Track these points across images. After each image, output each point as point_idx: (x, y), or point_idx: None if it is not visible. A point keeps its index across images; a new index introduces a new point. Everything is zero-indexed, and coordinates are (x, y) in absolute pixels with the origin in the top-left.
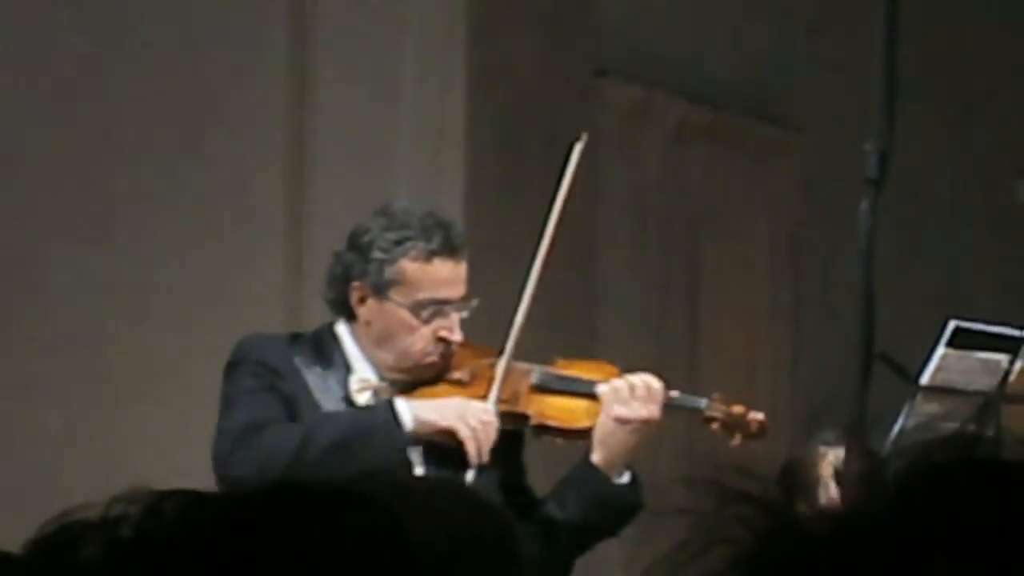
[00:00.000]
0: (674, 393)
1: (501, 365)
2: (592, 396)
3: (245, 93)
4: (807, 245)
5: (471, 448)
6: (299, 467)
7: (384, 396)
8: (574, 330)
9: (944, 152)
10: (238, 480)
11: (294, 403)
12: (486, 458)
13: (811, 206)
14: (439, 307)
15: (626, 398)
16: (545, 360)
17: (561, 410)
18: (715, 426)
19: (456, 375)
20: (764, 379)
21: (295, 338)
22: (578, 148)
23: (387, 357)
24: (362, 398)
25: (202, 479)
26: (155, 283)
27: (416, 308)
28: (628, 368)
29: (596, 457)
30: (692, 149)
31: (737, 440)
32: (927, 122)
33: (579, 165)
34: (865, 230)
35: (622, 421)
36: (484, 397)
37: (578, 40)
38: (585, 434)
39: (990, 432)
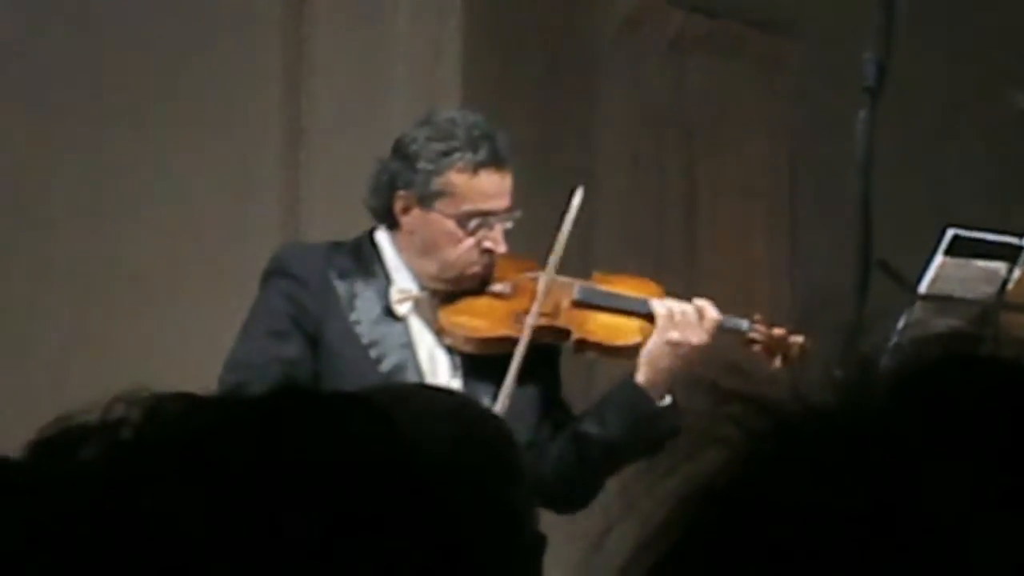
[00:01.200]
0: (730, 320)
1: (543, 279)
2: (639, 315)
3: (240, 53)
4: (805, 154)
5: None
6: None
7: (424, 306)
8: (570, 243)
9: (942, 61)
10: None
11: (322, 322)
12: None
13: (809, 115)
14: (484, 218)
15: (681, 322)
16: (584, 275)
17: (604, 327)
18: (756, 348)
19: (497, 288)
20: (762, 290)
21: (334, 247)
22: (577, 198)
23: (430, 266)
24: (402, 308)
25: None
26: (150, 205)
27: (462, 219)
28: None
29: (641, 377)
30: (690, 59)
31: (778, 362)
32: (925, 31)
33: (578, 214)
34: (863, 139)
35: (674, 344)
36: (525, 311)
37: None
38: (627, 352)
39: (988, 338)
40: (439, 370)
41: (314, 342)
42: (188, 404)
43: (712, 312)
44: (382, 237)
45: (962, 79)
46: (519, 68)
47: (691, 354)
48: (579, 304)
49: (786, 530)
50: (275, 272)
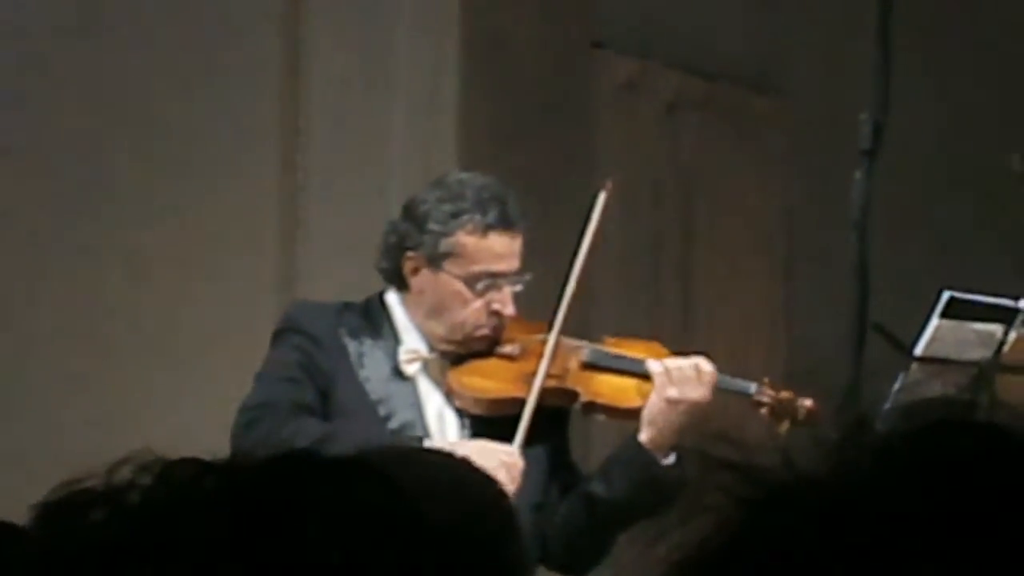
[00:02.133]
0: (724, 376)
1: (550, 342)
2: (642, 375)
3: (239, 56)
4: (801, 216)
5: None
6: None
7: (433, 367)
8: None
9: (938, 122)
10: (249, 452)
11: (332, 378)
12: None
13: (805, 177)
14: (493, 280)
15: (678, 379)
16: (595, 338)
17: (611, 388)
18: (764, 411)
19: (506, 349)
20: (758, 351)
21: (344, 307)
22: (602, 196)
23: (438, 328)
24: (411, 368)
25: (197, 440)
26: (150, 248)
27: (471, 281)
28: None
29: (644, 437)
30: (686, 120)
31: (785, 426)
32: (921, 92)
33: (603, 213)
34: (859, 201)
35: (673, 402)
36: (534, 373)
37: (573, 12)
38: (634, 413)
39: (984, 401)
40: (448, 430)
41: (324, 397)
42: (196, 470)
43: (708, 367)
44: (392, 298)
45: (959, 141)
46: (516, 130)
47: (693, 410)
48: (587, 366)
49: None
50: (287, 329)
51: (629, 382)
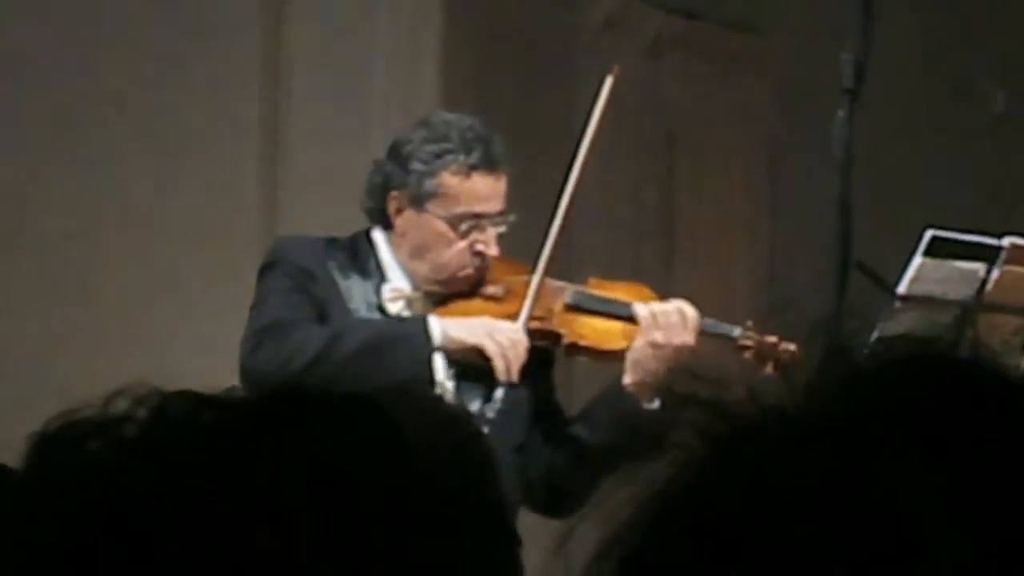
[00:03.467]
0: (708, 320)
1: (534, 282)
2: (626, 318)
3: (221, 15)
4: (783, 155)
5: (499, 365)
6: (323, 367)
7: (417, 307)
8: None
9: (921, 61)
10: (260, 375)
11: (325, 307)
12: (515, 377)
13: (788, 116)
14: (476, 221)
15: (663, 323)
16: (579, 280)
17: (594, 330)
18: (747, 354)
19: (490, 290)
20: (741, 290)
21: (331, 242)
22: (609, 80)
23: (422, 268)
24: (394, 307)
25: (183, 384)
26: (134, 213)
27: (454, 221)
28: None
29: (628, 380)
30: (668, 60)
31: (769, 368)
32: (904, 31)
33: (609, 98)
34: (841, 140)
35: (658, 346)
36: (517, 314)
37: None
38: (617, 355)
39: (966, 339)
40: (433, 368)
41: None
42: (193, 404)
43: (691, 312)
44: (378, 236)
45: (940, 79)
46: (498, 68)
47: (676, 355)
48: (571, 308)
49: (732, 534)
50: (275, 262)
51: (614, 325)
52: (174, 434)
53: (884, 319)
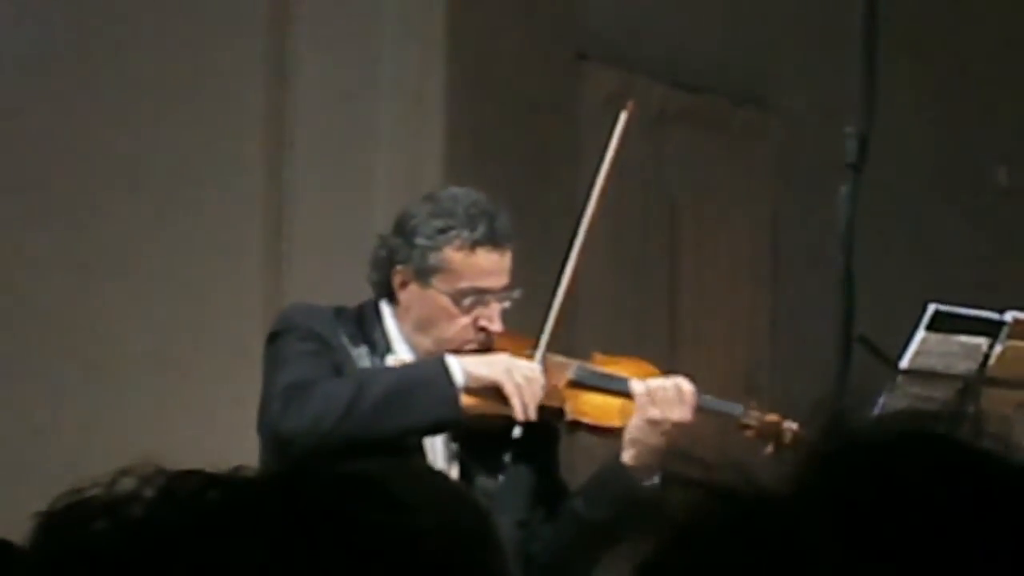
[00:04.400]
0: (708, 398)
1: (537, 357)
2: (626, 395)
3: (224, 61)
4: (786, 228)
5: (516, 404)
6: (353, 419)
7: None
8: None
9: (924, 136)
10: (292, 435)
11: (341, 371)
12: (532, 415)
13: (791, 190)
14: (480, 296)
15: (660, 399)
16: (584, 354)
17: (595, 407)
18: (749, 433)
19: None
20: (743, 363)
21: (339, 312)
22: (623, 116)
23: (426, 342)
24: None
25: (184, 446)
26: (134, 263)
27: (457, 297)
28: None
29: (626, 457)
30: (672, 133)
31: (770, 449)
32: (908, 106)
33: (624, 134)
34: (845, 214)
35: (654, 422)
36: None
37: (559, 23)
38: (616, 432)
39: (970, 414)
40: (435, 442)
41: None
42: (200, 483)
43: (688, 387)
44: (384, 308)
45: (945, 154)
46: (500, 145)
47: (674, 431)
48: (574, 384)
49: None
50: (288, 329)
51: (613, 401)
52: (181, 515)
53: (887, 394)
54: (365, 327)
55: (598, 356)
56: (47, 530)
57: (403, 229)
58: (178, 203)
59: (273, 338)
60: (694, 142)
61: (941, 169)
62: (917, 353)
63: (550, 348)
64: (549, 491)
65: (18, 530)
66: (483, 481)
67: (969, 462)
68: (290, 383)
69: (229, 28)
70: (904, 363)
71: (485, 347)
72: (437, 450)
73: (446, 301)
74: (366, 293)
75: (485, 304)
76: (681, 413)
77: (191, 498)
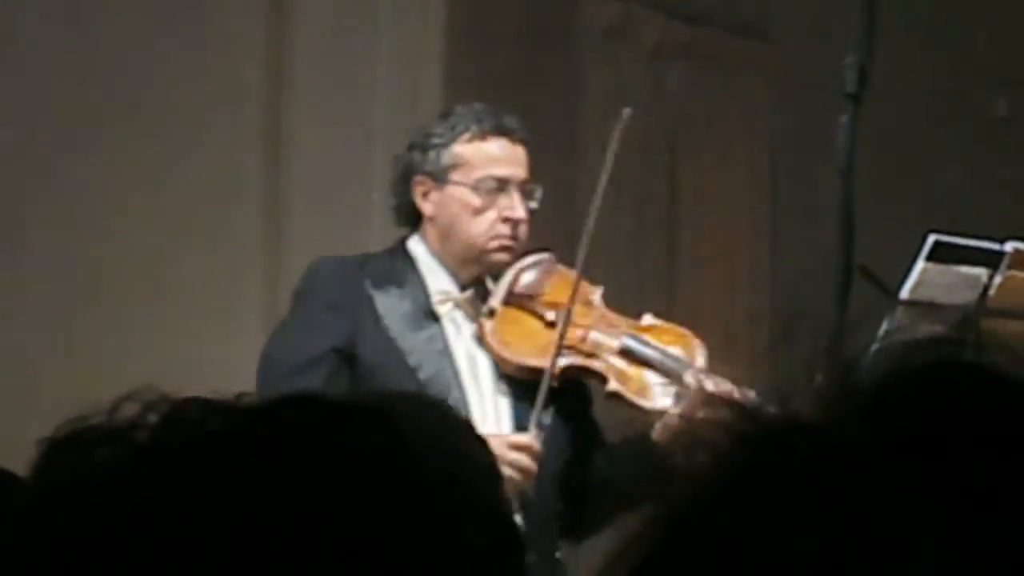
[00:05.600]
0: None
1: (557, 333)
2: (676, 379)
3: (223, 37)
4: (786, 160)
5: (509, 489)
6: None
7: (466, 308)
8: (552, 248)
9: (924, 67)
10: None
11: (354, 337)
12: (532, 485)
13: (790, 121)
14: (500, 183)
15: (707, 399)
16: (632, 316)
17: (640, 384)
18: None
19: (549, 315)
20: (743, 296)
21: (367, 259)
22: (624, 117)
23: (455, 248)
24: (443, 309)
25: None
26: (135, 206)
27: (476, 187)
28: (611, 292)
29: (657, 436)
30: (670, 66)
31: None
32: (907, 36)
33: (621, 137)
34: (844, 145)
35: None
36: (570, 345)
37: None
38: (655, 414)
39: (970, 344)
40: (481, 374)
41: (349, 359)
42: (202, 411)
43: (747, 392)
44: (414, 244)
45: (943, 85)
46: (499, 75)
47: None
48: (624, 353)
49: (753, 549)
50: (305, 291)
51: (659, 380)
52: (184, 442)
53: (887, 323)
54: (396, 268)
55: (648, 321)
56: (51, 457)
57: (416, 142)
58: (177, 150)
59: (294, 295)
60: (693, 75)
61: (940, 100)
62: (917, 283)
63: (606, 300)
64: (585, 437)
65: (15, 462)
66: (534, 414)
67: (1012, 390)
68: (267, 352)
69: (229, 25)
70: (904, 293)
71: (514, 243)
72: (483, 370)
73: (466, 193)
74: (364, 246)
75: (506, 193)
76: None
77: (194, 425)
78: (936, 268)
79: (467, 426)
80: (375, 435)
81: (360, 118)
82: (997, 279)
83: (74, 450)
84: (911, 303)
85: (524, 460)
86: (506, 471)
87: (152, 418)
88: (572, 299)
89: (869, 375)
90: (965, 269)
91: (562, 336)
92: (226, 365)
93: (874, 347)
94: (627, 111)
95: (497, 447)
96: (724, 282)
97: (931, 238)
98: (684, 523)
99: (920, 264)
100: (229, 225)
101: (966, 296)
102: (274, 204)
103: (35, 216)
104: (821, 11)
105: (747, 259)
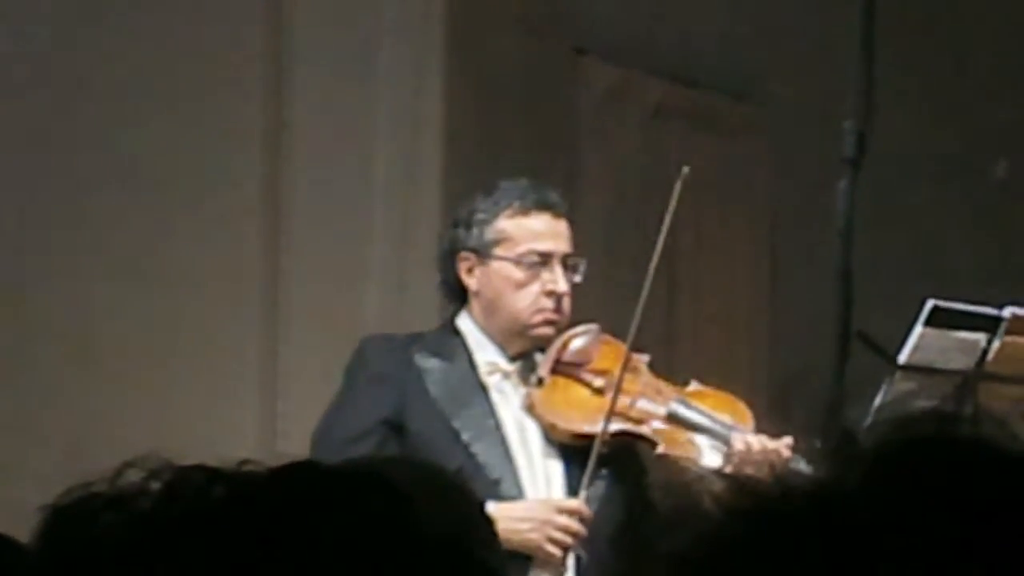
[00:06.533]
0: (800, 462)
1: (609, 399)
2: (722, 440)
3: (222, 67)
4: (785, 224)
5: (553, 554)
6: None
7: (514, 379)
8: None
9: (923, 131)
10: None
11: (402, 410)
12: (566, 567)
13: (789, 185)
14: (542, 258)
15: (756, 460)
16: (681, 381)
17: (689, 447)
18: None
19: (598, 382)
20: (742, 359)
21: (416, 336)
22: (679, 184)
23: (500, 323)
24: (492, 380)
25: (181, 443)
26: (135, 256)
27: (519, 260)
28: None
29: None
30: (670, 129)
31: None
32: (906, 101)
33: (680, 199)
34: (843, 209)
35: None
36: (619, 412)
37: (556, 19)
38: (707, 475)
39: (967, 410)
40: (531, 441)
41: (398, 430)
42: (205, 478)
43: (787, 455)
44: (462, 320)
45: (943, 148)
46: (501, 137)
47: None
48: (672, 418)
49: None
50: (353, 367)
51: (706, 442)
52: (188, 509)
53: (885, 389)
54: (444, 344)
55: (695, 386)
56: (55, 523)
57: (460, 218)
58: (176, 200)
59: (344, 373)
60: (692, 138)
61: (939, 163)
62: (915, 348)
63: (653, 368)
64: (636, 500)
65: (14, 527)
66: (584, 485)
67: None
68: (319, 428)
69: (229, 25)
70: (903, 358)
71: (557, 316)
72: (532, 439)
73: (509, 268)
74: (364, 285)
75: (549, 268)
76: (768, 474)
77: (198, 493)
78: (934, 333)
79: (464, 490)
80: (375, 500)
81: (359, 183)
82: (995, 344)
83: (77, 518)
84: (909, 368)
85: (573, 524)
86: (556, 535)
87: (155, 485)
88: (624, 366)
89: (871, 447)
90: (963, 334)
91: (614, 401)
92: (224, 429)
93: (872, 413)
94: (686, 169)
95: (544, 512)
96: (722, 344)
97: (929, 303)
98: None
99: (918, 329)
100: (228, 286)
101: (964, 361)
102: (274, 263)
103: (34, 277)
104: (819, 75)
105: (746, 322)
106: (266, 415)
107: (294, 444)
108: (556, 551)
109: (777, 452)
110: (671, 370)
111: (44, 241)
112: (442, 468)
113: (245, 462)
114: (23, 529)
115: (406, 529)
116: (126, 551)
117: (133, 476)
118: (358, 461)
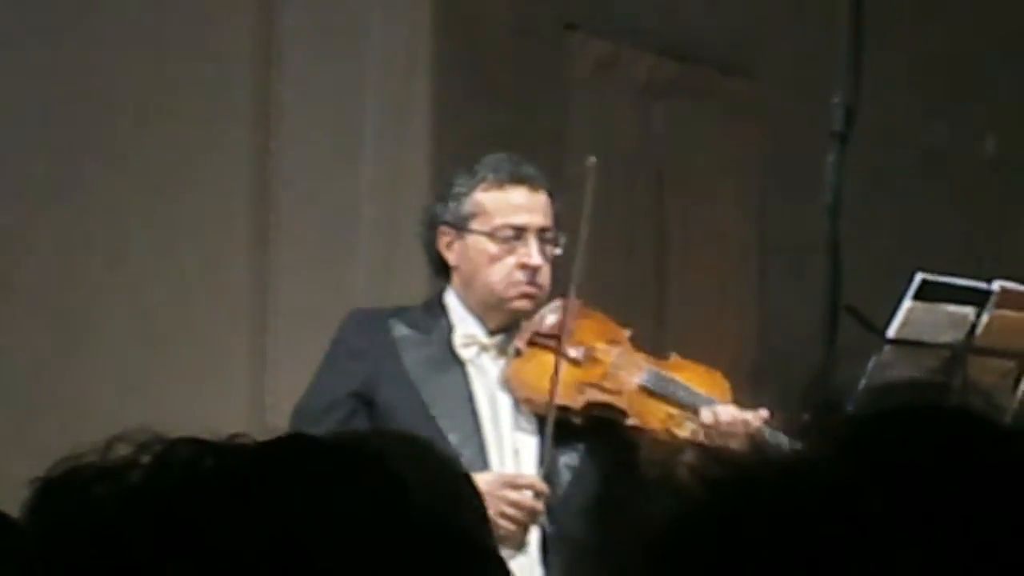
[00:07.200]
0: (771, 431)
1: (561, 343)
2: (692, 411)
3: (212, 44)
4: (773, 198)
5: (507, 528)
6: None
7: (491, 352)
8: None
9: (911, 105)
10: None
11: (373, 383)
12: (525, 543)
13: (777, 159)
14: (517, 231)
15: (725, 432)
16: (662, 355)
17: (658, 419)
18: None
19: (572, 352)
20: (730, 333)
21: (401, 310)
22: (590, 166)
23: (478, 297)
24: (467, 352)
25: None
26: (126, 239)
27: (494, 235)
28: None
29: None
30: (659, 103)
31: None
32: (894, 75)
33: (595, 187)
34: (831, 183)
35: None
36: (593, 382)
37: None
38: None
39: (957, 383)
40: (501, 415)
41: (368, 403)
42: (196, 450)
43: (757, 424)
44: (448, 295)
45: (931, 123)
46: (489, 111)
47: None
48: (644, 390)
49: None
50: (335, 340)
51: (678, 413)
52: (178, 482)
53: (873, 363)
54: (425, 317)
55: (676, 359)
56: (45, 496)
57: (439, 194)
58: (166, 183)
59: (331, 345)
60: (681, 112)
61: (928, 138)
62: (904, 322)
63: (634, 341)
64: (618, 472)
65: (5, 505)
66: (565, 457)
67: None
68: (298, 405)
69: (220, 9)
70: (891, 333)
71: (534, 291)
72: (504, 413)
73: (484, 241)
74: (352, 269)
75: (524, 242)
76: (738, 444)
77: (187, 465)
78: (923, 307)
79: (452, 463)
80: (364, 473)
81: (347, 165)
82: (984, 318)
83: (68, 489)
84: (898, 342)
85: (526, 499)
86: (508, 510)
87: (145, 458)
88: (562, 326)
89: (850, 415)
90: (952, 308)
91: (556, 369)
92: (215, 407)
93: (860, 386)
94: (592, 160)
95: (494, 486)
96: (712, 319)
97: (918, 277)
98: (662, 558)
99: (907, 303)
100: (217, 265)
101: (953, 335)
102: (263, 242)
103: (24, 259)
104: (809, 50)
105: (735, 296)
106: (255, 391)
107: (283, 419)
108: (508, 525)
109: (746, 422)
110: (660, 344)
111: (34, 227)
112: (434, 445)
113: (235, 435)
114: (13, 507)
115: (396, 503)
116: (116, 523)
117: (123, 449)
118: (347, 433)
